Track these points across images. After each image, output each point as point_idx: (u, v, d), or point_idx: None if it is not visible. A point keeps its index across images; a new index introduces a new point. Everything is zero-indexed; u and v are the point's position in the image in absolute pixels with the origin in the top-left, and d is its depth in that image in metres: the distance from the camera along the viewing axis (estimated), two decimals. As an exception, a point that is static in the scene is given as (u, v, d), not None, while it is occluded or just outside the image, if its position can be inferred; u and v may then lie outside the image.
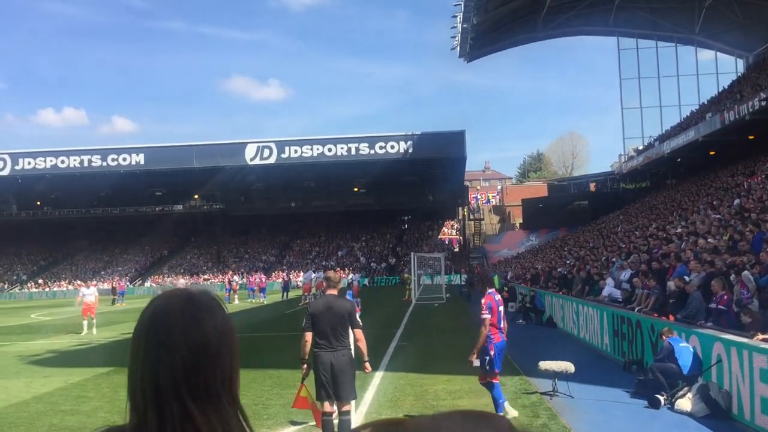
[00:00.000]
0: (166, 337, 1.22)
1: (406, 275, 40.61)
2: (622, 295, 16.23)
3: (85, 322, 23.27)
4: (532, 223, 65.09)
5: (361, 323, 7.28)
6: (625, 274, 17.05)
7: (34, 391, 12.16)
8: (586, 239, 38.33)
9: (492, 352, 8.52)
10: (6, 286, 70.24)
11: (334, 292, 7.34)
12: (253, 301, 40.86)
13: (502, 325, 8.67)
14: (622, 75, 59.08)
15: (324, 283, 7.53)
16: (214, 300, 1.32)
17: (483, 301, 8.60)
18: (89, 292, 24.10)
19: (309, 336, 7.07)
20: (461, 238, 73.14)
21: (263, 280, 46.25)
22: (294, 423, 8.83)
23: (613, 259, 21.86)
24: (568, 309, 19.36)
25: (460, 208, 74.64)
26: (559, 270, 26.85)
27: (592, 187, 66.76)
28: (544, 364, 10.44)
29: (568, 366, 10.24)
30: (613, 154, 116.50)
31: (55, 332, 24.81)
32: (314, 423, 7.73)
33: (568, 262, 29.20)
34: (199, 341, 1.23)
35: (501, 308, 8.72)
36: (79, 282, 68.42)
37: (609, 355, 14.37)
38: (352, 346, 7.35)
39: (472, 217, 76.61)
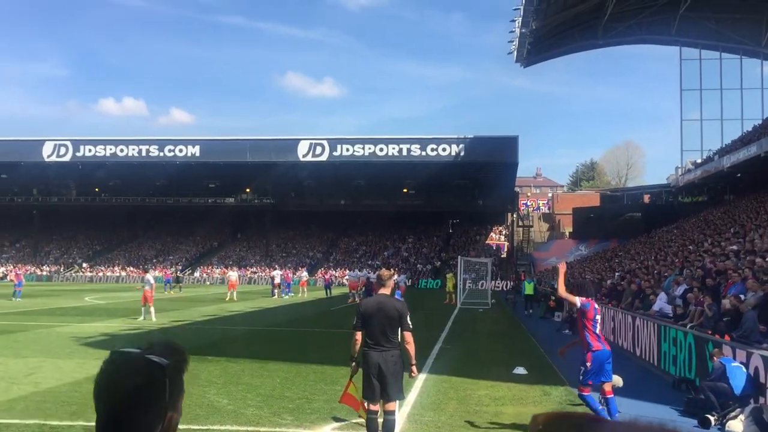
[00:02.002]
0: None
1: (448, 275, 40.43)
2: (674, 311, 15.87)
3: (143, 308, 23.85)
4: (582, 233, 64.15)
5: (411, 325, 7.21)
6: (679, 290, 16.67)
7: (86, 371, 12.50)
8: (637, 251, 37.60)
9: (588, 363, 8.28)
10: (62, 269, 72.43)
11: (387, 291, 7.27)
12: (291, 296, 41.25)
13: (597, 330, 8.38)
14: (683, 86, 57.81)
15: (373, 282, 7.53)
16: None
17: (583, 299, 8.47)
18: (148, 278, 24.82)
19: (359, 335, 7.07)
20: (509, 244, 72.51)
21: (289, 275, 46.74)
22: (336, 419, 8.90)
23: (666, 274, 21.40)
24: (618, 321, 19.02)
25: (510, 214, 73.99)
26: (608, 281, 26.39)
27: (646, 198, 65.45)
28: (591, 376, 10.28)
29: (616, 380, 10.07)
30: (670, 167, 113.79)
31: (108, 316, 25.48)
32: (357, 420, 7.78)
33: (617, 273, 28.68)
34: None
35: (599, 317, 8.45)
36: (131, 268, 70.22)
37: (659, 371, 14.08)
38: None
39: (521, 223, 75.90)
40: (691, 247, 27.99)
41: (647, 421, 0.65)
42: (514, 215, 73.78)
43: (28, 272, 68.52)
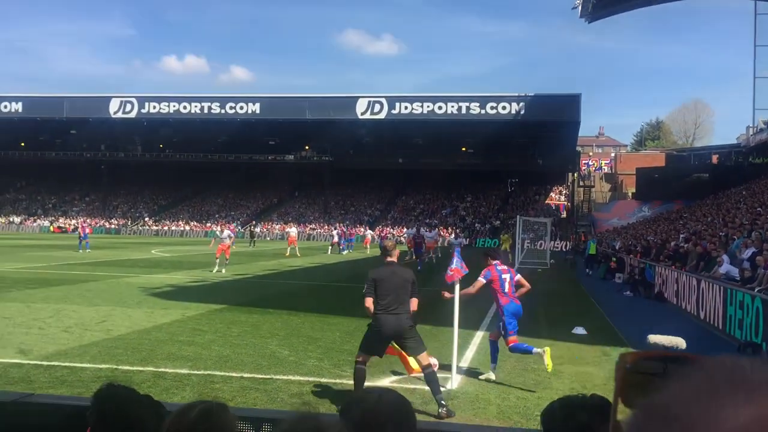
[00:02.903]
0: None
1: (504, 235, 40.19)
2: (741, 274, 15.43)
3: (217, 260, 24.77)
4: (646, 194, 62.54)
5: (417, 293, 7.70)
6: (747, 253, 16.17)
7: (154, 320, 13.01)
8: (703, 213, 36.51)
9: (503, 317, 9.11)
10: (129, 222, 74.85)
11: (394, 259, 7.72)
12: (349, 252, 41.70)
13: (506, 289, 9.25)
14: (757, 41, 55.07)
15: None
16: (224, 423, 1.19)
17: (483, 271, 9.32)
18: (225, 235, 25.77)
19: (370, 301, 7.45)
20: (569, 204, 71.35)
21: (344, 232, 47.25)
22: (395, 373, 9.03)
23: (734, 236, 20.75)
24: (682, 284, 18.62)
25: (570, 174, 72.63)
26: (672, 243, 25.77)
27: (715, 159, 63.22)
28: (654, 338, 10.15)
29: (679, 341, 9.90)
30: (740, 126, 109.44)
31: (174, 268, 26.29)
32: (415, 375, 7.89)
33: (682, 235, 27.96)
34: None
35: (506, 276, 9.35)
36: (195, 223, 72.06)
37: (724, 334, 13.78)
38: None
39: (581, 183, 74.46)
40: (760, 209, 27.02)
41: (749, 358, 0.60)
42: (575, 175, 72.38)
43: (98, 225, 71.16)
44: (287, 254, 36.29)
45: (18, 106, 71.99)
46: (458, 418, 7.16)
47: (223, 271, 24.36)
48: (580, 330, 12.52)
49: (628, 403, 0.43)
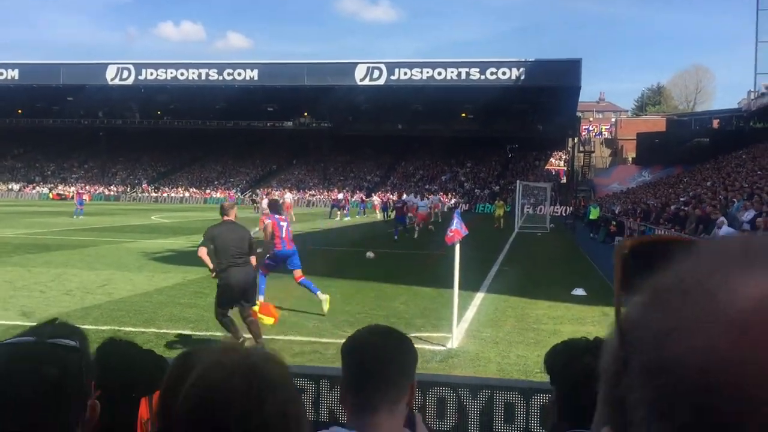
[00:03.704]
0: (217, 426, 0.99)
1: (498, 202, 40.23)
2: (741, 237, 15.45)
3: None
4: (646, 159, 62.35)
5: (256, 250, 8.51)
6: (748, 215, 16.19)
7: (155, 284, 13.07)
8: (704, 177, 36.51)
9: (268, 257, 10.95)
10: (129, 189, 74.79)
11: (231, 218, 8.42)
12: (346, 219, 41.79)
13: (282, 235, 10.95)
14: (760, 6, 54.37)
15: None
16: (283, 370, 1.08)
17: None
18: (264, 204, 25.31)
19: (203, 251, 8.23)
20: (569, 169, 71.24)
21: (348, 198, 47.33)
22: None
23: (734, 200, 20.77)
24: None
25: (570, 140, 72.39)
26: (672, 207, 25.80)
27: (715, 123, 62.89)
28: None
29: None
30: (742, 91, 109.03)
31: (174, 234, 26.33)
32: (416, 334, 7.95)
33: (682, 199, 27.98)
34: (258, 426, 0.99)
35: (283, 224, 11.09)
36: (194, 189, 72.01)
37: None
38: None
39: (582, 149, 74.23)
40: (760, 172, 27.00)
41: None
42: (575, 140, 72.15)
43: (97, 192, 71.12)
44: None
45: (14, 74, 71.42)
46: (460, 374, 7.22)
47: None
48: (579, 291, 12.59)
49: (631, 291, 0.42)
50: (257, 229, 11.63)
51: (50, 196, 70.78)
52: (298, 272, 11.15)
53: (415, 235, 26.76)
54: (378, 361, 1.76)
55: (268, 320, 8.94)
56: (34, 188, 75.16)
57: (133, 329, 9.08)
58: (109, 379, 3.02)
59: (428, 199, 37.71)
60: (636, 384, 0.37)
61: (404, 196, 31.26)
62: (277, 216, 11.39)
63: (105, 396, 3.07)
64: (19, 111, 78.44)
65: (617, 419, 0.39)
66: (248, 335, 8.04)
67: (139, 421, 2.84)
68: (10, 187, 75.93)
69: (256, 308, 8.62)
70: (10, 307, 10.46)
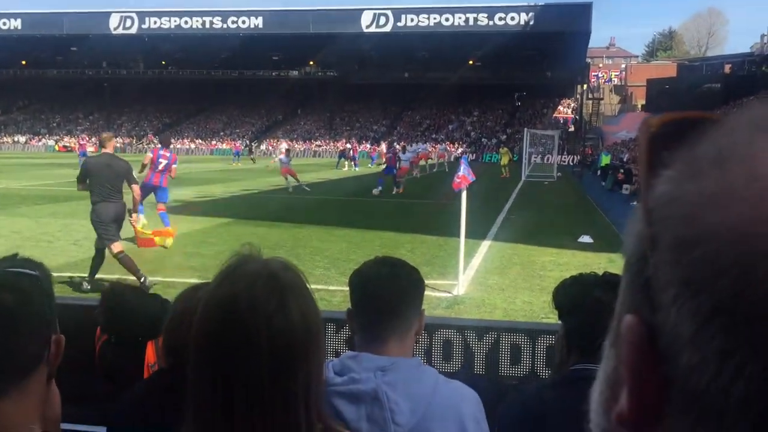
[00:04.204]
0: (248, 333, 1.01)
1: (502, 149, 39.87)
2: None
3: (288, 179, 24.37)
4: (656, 106, 61.49)
5: (137, 180, 8.77)
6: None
7: (162, 234, 13.08)
8: (714, 124, 36.06)
9: (157, 190, 12.13)
10: (134, 141, 74.62)
11: (109, 150, 8.43)
12: (355, 169, 41.64)
13: (158, 168, 11.97)
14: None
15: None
16: (298, 277, 1.11)
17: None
18: (282, 157, 25.18)
19: (80, 186, 8.35)
20: (577, 117, 70.55)
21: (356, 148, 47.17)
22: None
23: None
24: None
25: (579, 87, 71.48)
26: (681, 154, 25.55)
27: (727, 69, 61.85)
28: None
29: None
30: (755, 35, 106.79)
31: (180, 185, 26.26)
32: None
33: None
34: (286, 337, 1.03)
35: (163, 160, 11.99)
36: (200, 141, 71.80)
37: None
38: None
39: (590, 96, 73.34)
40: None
41: None
42: (584, 87, 71.24)
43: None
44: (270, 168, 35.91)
45: (17, 23, 70.62)
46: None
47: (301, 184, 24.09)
48: (586, 238, 12.56)
49: (658, 170, 0.39)
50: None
51: (56, 148, 70.72)
52: (160, 205, 12.27)
53: (397, 190, 23.51)
54: (385, 290, 1.74)
55: (168, 240, 9.45)
56: (40, 140, 75.08)
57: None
58: (114, 322, 3.01)
59: (410, 150, 36.45)
60: (667, 261, 0.34)
61: (395, 146, 29.07)
62: (161, 152, 12.27)
63: (111, 340, 3.05)
64: (23, 62, 77.83)
65: (642, 305, 0.37)
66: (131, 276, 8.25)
67: (146, 364, 2.83)
68: (16, 139, 75.88)
69: (148, 233, 9.12)
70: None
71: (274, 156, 48.22)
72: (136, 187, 8.56)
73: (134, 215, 8.90)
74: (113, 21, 68.77)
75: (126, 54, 75.06)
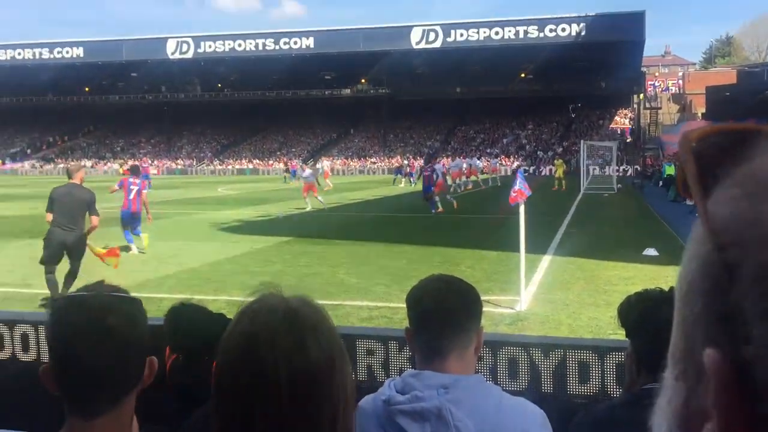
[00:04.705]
0: (267, 372, 1.00)
1: (557, 161, 39.10)
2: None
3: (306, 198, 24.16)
4: (716, 113, 59.85)
5: (98, 212, 9.07)
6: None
7: (224, 253, 13.37)
8: (779, 131, 34.88)
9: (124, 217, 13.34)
10: (195, 162, 76.42)
11: (76, 181, 8.96)
12: (412, 185, 41.65)
13: (131, 197, 13.28)
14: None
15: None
16: (319, 313, 1.09)
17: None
18: (307, 172, 25.25)
19: (49, 216, 8.74)
20: (635, 127, 69.17)
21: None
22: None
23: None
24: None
25: (636, 96, 70.13)
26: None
27: (791, 73, 59.85)
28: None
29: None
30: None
31: (240, 205, 26.84)
32: (487, 296, 7.92)
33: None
34: (306, 374, 1.01)
35: (134, 187, 13.39)
36: (257, 161, 73.07)
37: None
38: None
39: (648, 105, 71.86)
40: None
41: None
42: (641, 97, 69.86)
43: (164, 166, 72.96)
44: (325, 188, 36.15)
45: (79, 51, 73.43)
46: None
47: (322, 202, 23.90)
48: (651, 251, 12.29)
49: (711, 187, 0.36)
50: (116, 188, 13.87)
51: (121, 171, 72.82)
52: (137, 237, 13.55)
53: (435, 211, 21.67)
54: (443, 307, 1.74)
55: (111, 260, 9.79)
56: (105, 164, 77.58)
57: (205, 297, 9.31)
58: (180, 341, 3.10)
59: (452, 165, 35.62)
60: (755, 291, 0.30)
61: (440, 161, 28.73)
62: (131, 179, 13.65)
63: (179, 358, 3.14)
64: (87, 89, 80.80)
65: (722, 338, 0.33)
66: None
67: (212, 384, 2.87)
68: (82, 163, 78.54)
69: (101, 251, 9.52)
70: (89, 277, 10.85)
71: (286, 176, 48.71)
72: (94, 218, 9.02)
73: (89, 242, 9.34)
74: (170, 46, 70.86)
75: (183, 78, 77.16)
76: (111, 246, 9.83)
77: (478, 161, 44.82)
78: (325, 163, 41.82)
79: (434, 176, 22.37)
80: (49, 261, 8.81)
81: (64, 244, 8.77)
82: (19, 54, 74.71)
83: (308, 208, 23.46)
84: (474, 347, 1.80)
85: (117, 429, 1.25)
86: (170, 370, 3.04)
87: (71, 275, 8.90)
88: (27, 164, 76.72)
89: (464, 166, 37.64)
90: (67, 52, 73.58)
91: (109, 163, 77.47)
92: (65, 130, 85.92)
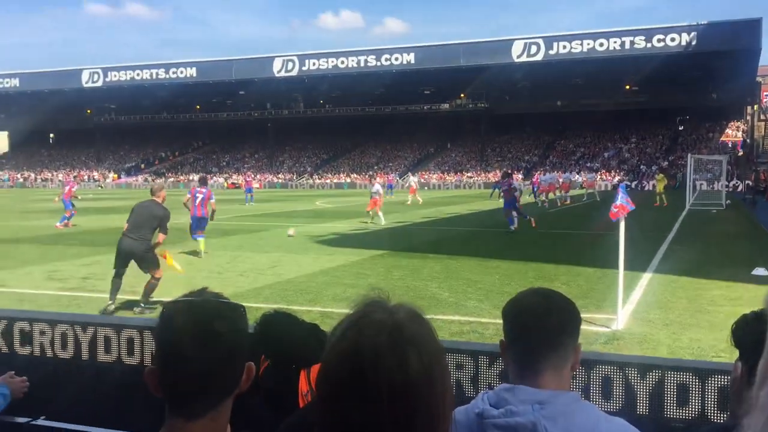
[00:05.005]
0: (369, 387, 1.00)
1: (658, 176, 37.14)
2: None
3: (371, 213, 24.48)
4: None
5: (167, 230, 9.71)
6: None
7: (320, 265, 13.62)
8: None
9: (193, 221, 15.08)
10: (295, 176, 78.50)
11: (155, 198, 9.77)
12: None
13: (197, 203, 15.02)
14: None
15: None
16: (425, 327, 1.08)
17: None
18: (377, 188, 25.22)
19: (126, 226, 9.55)
20: (748, 140, 65.61)
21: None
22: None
23: None
24: None
25: (749, 108, 66.60)
26: None
27: None
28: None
29: None
30: None
31: (337, 218, 27.33)
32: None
33: None
34: (406, 391, 1.01)
35: (199, 195, 15.10)
36: (356, 175, 74.24)
37: None
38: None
39: (762, 117, 68.13)
40: None
41: None
42: (755, 108, 66.28)
43: (266, 180, 75.32)
44: (409, 203, 36.08)
45: (192, 71, 77.19)
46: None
47: (383, 221, 23.73)
48: (761, 271, 11.60)
49: None
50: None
51: (226, 185, 75.87)
52: (198, 231, 14.94)
53: (511, 227, 20.65)
54: (541, 321, 1.69)
55: (176, 267, 10.23)
56: (212, 179, 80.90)
57: (299, 308, 9.52)
58: (269, 348, 3.16)
59: (544, 179, 35.61)
60: None
61: (516, 176, 27.47)
62: (198, 189, 15.36)
63: (270, 366, 3.20)
64: (198, 107, 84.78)
65: None
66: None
67: (300, 392, 2.92)
68: (191, 178, 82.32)
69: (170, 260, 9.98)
70: (192, 287, 11.13)
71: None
72: (161, 235, 9.64)
73: (163, 250, 9.97)
74: (276, 65, 73.33)
75: (288, 95, 79.58)
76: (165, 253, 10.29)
77: (576, 175, 43.81)
78: (411, 179, 42.00)
79: (514, 192, 21.26)
80: (116, 266, 9.55)
81: (129, 253, 9.42)
82: (138, 75, 79.29)
83: (381, 222, 23.49)
84: (571, 365, 1.76)
85: (214, 431, 1.30)
86: (262, 378, 3.11)
87: (148, 284, 9.51)
88: (140, 178, 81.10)
89: (560, 180, 36.90)
90: (182, 72, 77.52)
91: (215, 177, 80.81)
92: (176, 146, 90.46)
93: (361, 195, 51.22)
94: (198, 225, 14.96)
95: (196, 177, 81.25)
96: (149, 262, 9.50)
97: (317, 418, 1.06)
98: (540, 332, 1.69)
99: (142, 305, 9.43)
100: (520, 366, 1.73)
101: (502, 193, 23.19)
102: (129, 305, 9.66)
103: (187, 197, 15.58)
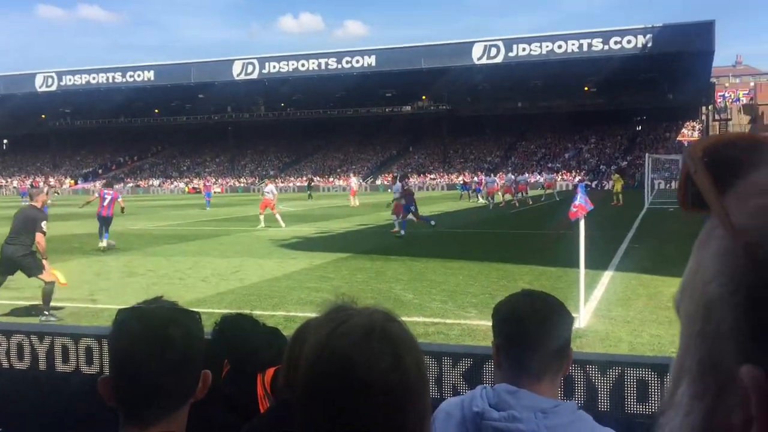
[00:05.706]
0: (364, 390, 1.00)
1: (614, 176, 38.19)
2: None
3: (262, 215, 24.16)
4: (791, 124, 57.75)
5: (45, 229, 9.54)
6: None
7: (283, 269, 13.50)
8: None
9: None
10: (257, 180, 77.94)
11: (33, 203, 9.84)
12: (475, 200, 41.41)
13: (105, 204, 16.68)
14: None
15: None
16: (404, 327, 1.10)
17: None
18: (268, 190, 25.02)
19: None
20: (703, 140, 67.14)
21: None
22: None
23: None
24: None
25: (704, 108, 68.19)
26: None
27: None
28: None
29: None
30: None
31: (300, 221, 27.16)
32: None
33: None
34: (401, 390, 1.03)
35: (107, 196, 16.76)
36: (318, 178, 73.99)
37: None
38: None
39: (717, 117, 69.84)
40: None
41: None
42: (710, 109, 67.90)
43: (228, 184, 74.64)
44: (352, 205, 36.20)
45: (150, 75, 76.16)
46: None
47: (282, 225, 23.30)
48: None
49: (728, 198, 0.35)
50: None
51: (186, 190, 74.99)
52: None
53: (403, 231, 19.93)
54: (542, 328, 1.66)
55: (59, 280, 9.86)
56: (172, 183, 79.87)
57: (263, 312, 9.40)
58: (229, 350, 3.09)
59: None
60: None
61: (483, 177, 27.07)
62: (106, 191, 17.04)
63: (230, 370, 3.13)
64: (156, 110, 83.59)
65: (760, 354, 0.32)
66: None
67: (259, 396, 2.86)
68: (150, 183, 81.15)
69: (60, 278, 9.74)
70: (152, 293, 10.94)
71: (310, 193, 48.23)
72: (38, 235, 9.52)
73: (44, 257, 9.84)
74: (236, 68, 72.77)
75: (248, 98, 79.01)
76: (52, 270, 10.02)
77: (530, 176, 44.37)
78: (352, 181, 41.85)
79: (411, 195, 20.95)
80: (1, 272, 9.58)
81: (10, 258, 9.40)
82: (94, 78, 77.90)
83: (260, 225, 23.27)
84: (564, 369, 1.75)
85: None
86: (223, 382, 3.04)
87: (43, 290, 9.34)
88: (98, 184, 79.64)
89: (500, 182, 37.44)
90: (139, 76, 76.39)
91: (175, 182, 79.77)
92: (135, 150, 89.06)
93: (325, 198, 51.05)
94: (104, 223, 16.73)
95: (156, 182, 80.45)
96: (32, 268, 9.46)
97: (301, 419, 1.05)
98: (544, 338, 1.67)
99: (46, 313, 9.23)
100: (516, 370, 1.70)
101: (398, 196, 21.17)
102: (35, 312, 9.56)
103: (94, 197, 17.91)
